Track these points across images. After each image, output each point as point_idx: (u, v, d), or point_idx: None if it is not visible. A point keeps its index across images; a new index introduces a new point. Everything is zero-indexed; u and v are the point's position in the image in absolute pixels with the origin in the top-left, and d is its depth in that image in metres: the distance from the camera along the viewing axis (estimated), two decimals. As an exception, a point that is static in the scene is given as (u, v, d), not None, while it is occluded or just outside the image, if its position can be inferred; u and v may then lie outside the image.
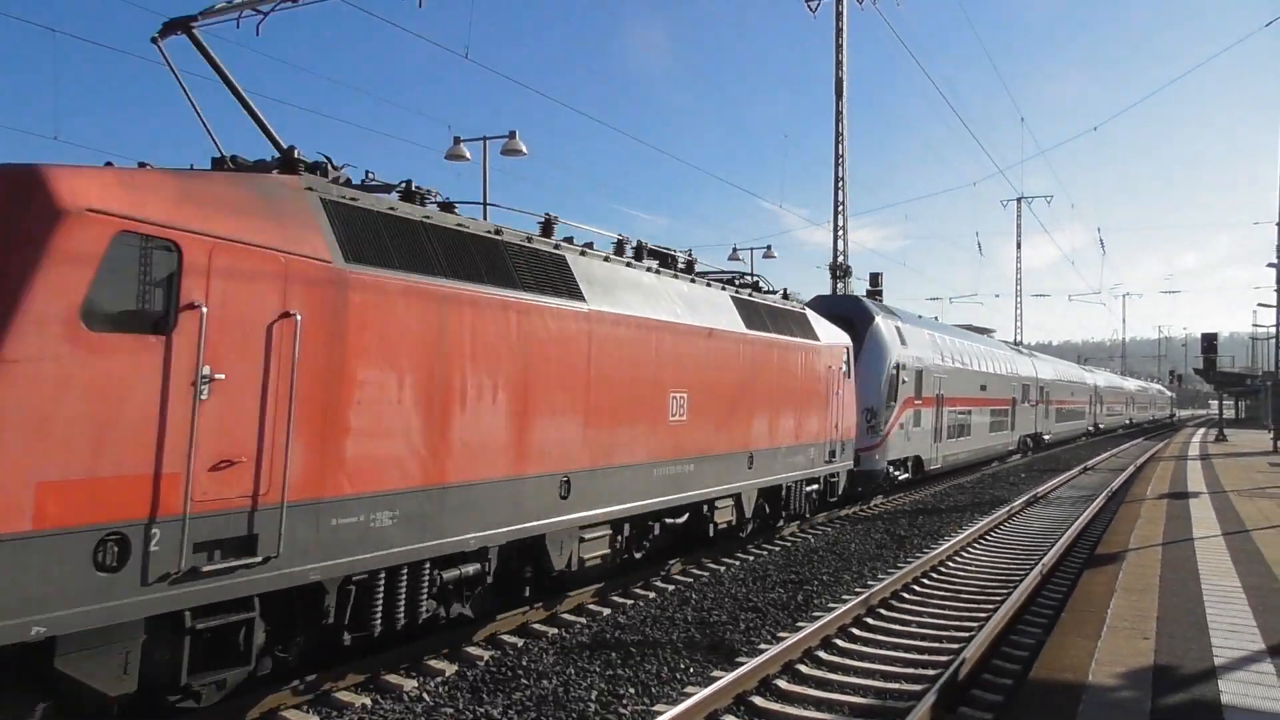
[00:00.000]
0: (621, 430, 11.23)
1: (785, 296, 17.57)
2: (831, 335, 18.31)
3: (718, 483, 13.53)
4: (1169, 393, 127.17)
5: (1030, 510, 22.67)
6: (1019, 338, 67.78)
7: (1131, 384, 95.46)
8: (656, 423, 11.85)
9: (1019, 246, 69.69)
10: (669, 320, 12.27)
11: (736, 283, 16.02)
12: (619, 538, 11.80)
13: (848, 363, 18.97)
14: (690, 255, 14.50)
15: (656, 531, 12.63)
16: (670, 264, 13.58)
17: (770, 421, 15.22)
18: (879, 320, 23.55)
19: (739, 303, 14.79)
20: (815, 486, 17.90)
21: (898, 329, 24.59)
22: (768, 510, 16.17)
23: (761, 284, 16.72)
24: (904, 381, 23.57)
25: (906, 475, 24.67)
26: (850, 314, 22.93)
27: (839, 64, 36.05)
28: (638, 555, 12.58)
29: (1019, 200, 67.24)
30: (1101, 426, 66.80)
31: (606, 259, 11.87)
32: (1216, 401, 62.56)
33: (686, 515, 13.27)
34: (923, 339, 26.67)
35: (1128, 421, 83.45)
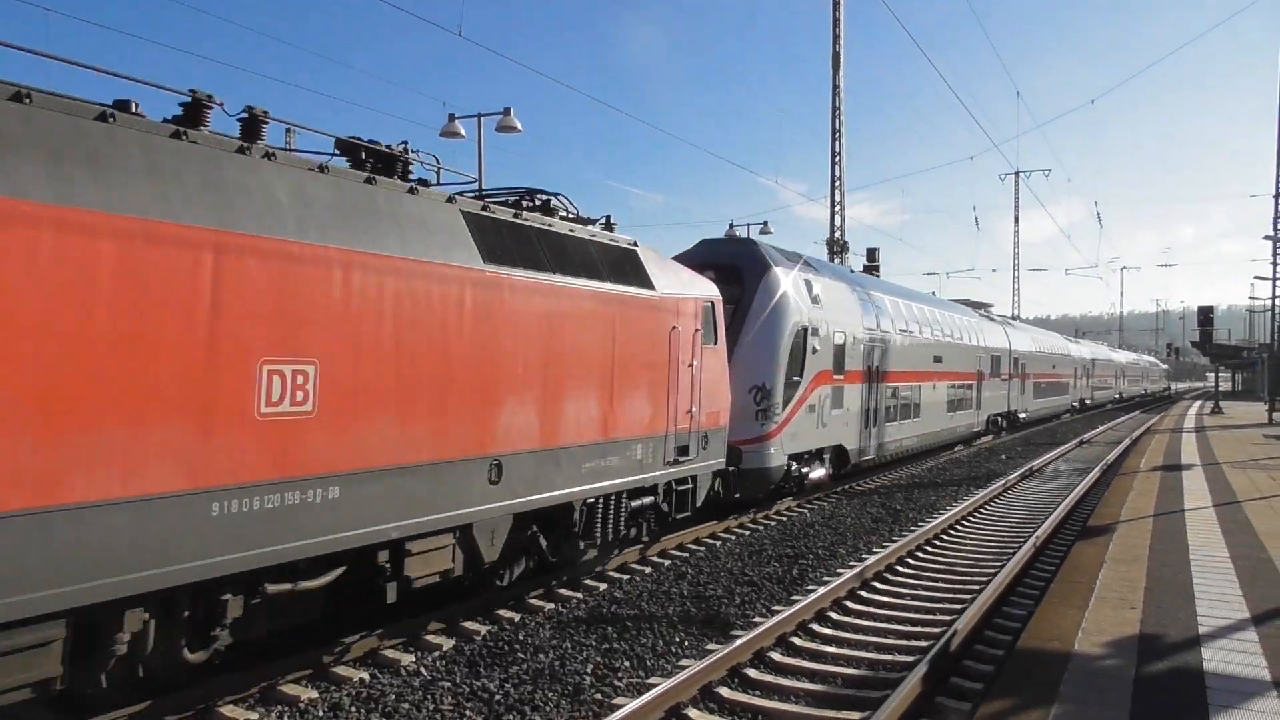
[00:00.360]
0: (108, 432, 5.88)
1: (608, 227, 12.35)
2: (684, 285, 13.18)
3: (408, 513, 8.10)
4: (1163, 365, 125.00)
5: (1026, 484, 22.81)
6: (1016, 312, 67.85)
7: (1123, 356, 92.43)
8: (214, 417, 6.47)
9: (1016, 221, 69.63)
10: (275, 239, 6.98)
11: (518, 204, 11.03)
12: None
13: (711, 323, 13.70)
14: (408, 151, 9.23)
15: (232, 613, 7.04)
16: (376, 168, 8.71)
17: (545, 407, 9.99)
18: (777, 270, 17.53)
19: (478, 225, 9.29)
20: (649, 499, 12.45)
21: (806, 282, 18.67)
22: (545, 545, 10.62)
23: (563, 208, 11.52)
24: (814, 350, 18.13)
25: (824, 472, 19.22)
26: (737, 260, 17.61)
27: (836, 38, 35.82)
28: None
29: (1016, 174, 67.12)
30: (1089, 402, 63.08)
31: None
32: (1213, 374, 62.64)
33: (334, 573, 7.77)
34: (845, 298, 20.96)
35: (1117, 396, 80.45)
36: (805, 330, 17.72)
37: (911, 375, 24.83)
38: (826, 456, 19.41)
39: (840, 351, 19.48)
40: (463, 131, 21.52)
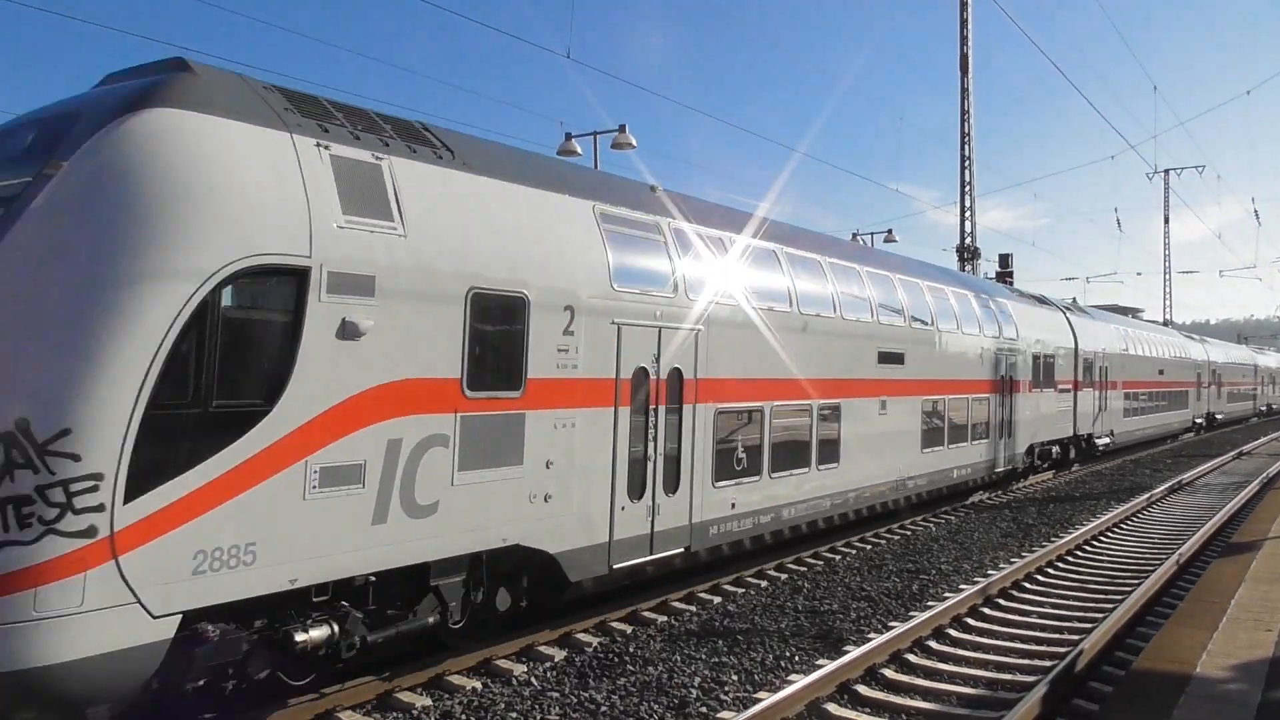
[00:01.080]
0: None
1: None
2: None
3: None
4: (1262, 361, 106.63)
5: (1173, 498, 21.61)
6: (1169, 317, 64.24)
7: (1272, 359, 76.49)
8: None
9: (1166, 220, 65.92)
10: None
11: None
12: None
13: None
14: None
15: None
16: None
17: None
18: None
19: None
20: None
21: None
22: None
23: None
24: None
25: None
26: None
27: (964, 39, 34.96)
28: None
29: (1166, 173, 63.63)
30: (1220, 417, 50.30)
31: None
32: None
33: None
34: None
35: (1265, 409, 66.95)
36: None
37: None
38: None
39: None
40: (579, 150, 22.05)
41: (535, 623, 9.86)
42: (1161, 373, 37.30)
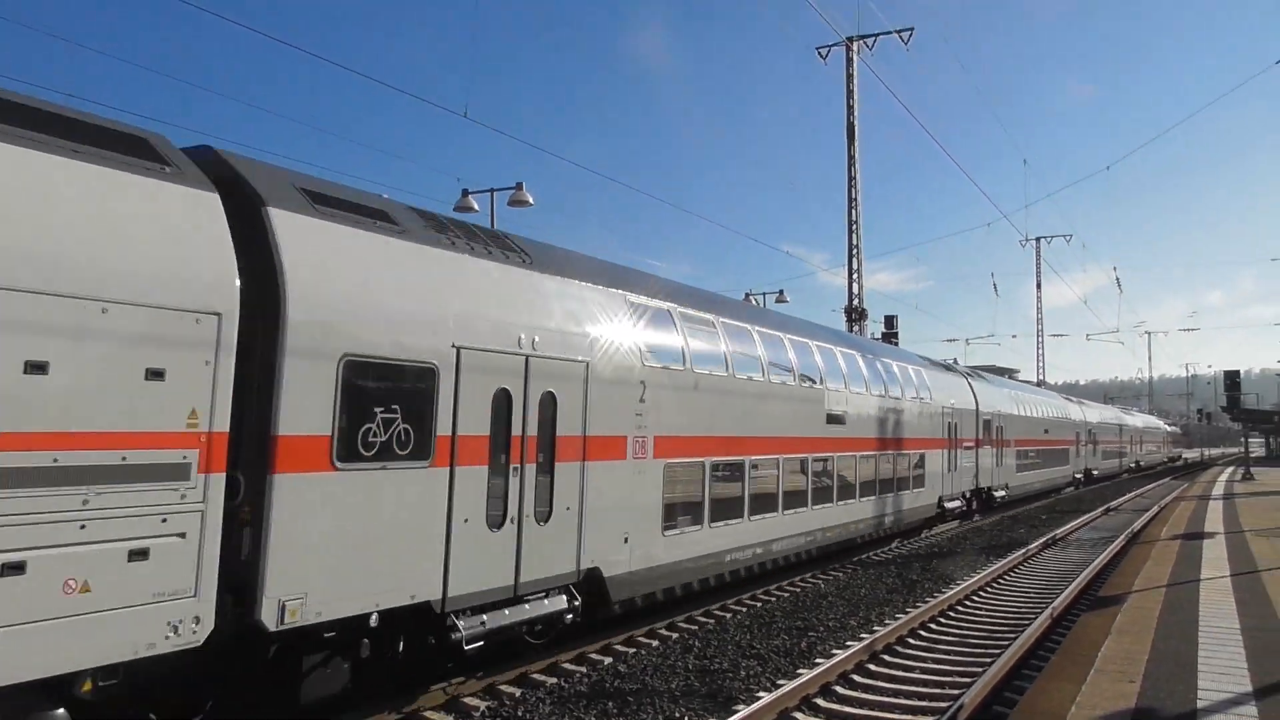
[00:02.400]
0: None
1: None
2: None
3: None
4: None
5: (1047, 553, 22.49)
6: (1041, 377, 67.34)
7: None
8: None
9: (1039, 286, 69.51)
10: None
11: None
12: None
13: None
14: None
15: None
16: None
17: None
18: None
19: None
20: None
21: None
22: None
23: None
24: None
25: None
26: None
27: (850, 109, 36.51)
28: None
29: (1037, 241, 67.20)
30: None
31: None
32: (1244, 440, 61.38)
33: None
34: None
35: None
36: None
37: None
38: None
39: None
40: (476, 206, 22.11)
41: (424, 684, 9.63)
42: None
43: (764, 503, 15.69)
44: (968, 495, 28.53)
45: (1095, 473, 53.08)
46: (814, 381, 17.95)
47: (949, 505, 26.43)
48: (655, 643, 12.54)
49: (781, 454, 16.27)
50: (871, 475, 20.48)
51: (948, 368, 30.43)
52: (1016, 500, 34.97)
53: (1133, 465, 69.82)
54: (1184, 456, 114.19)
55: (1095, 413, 57.70)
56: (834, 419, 18.52)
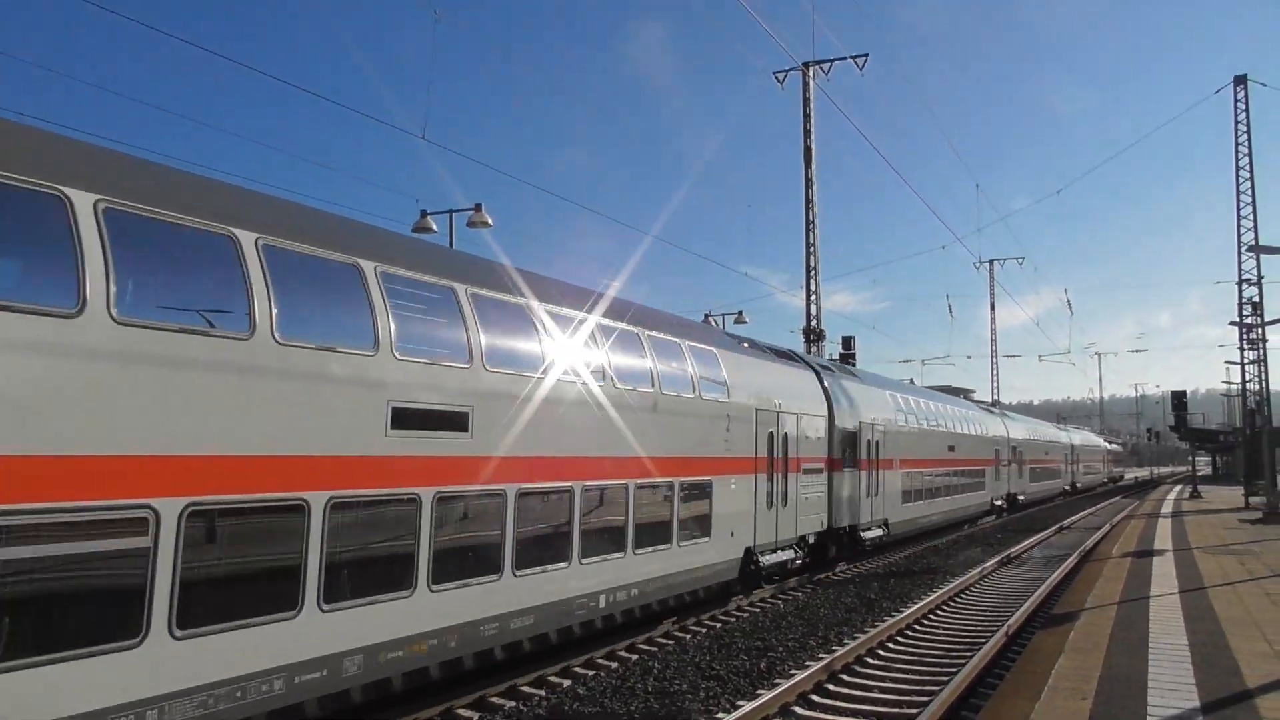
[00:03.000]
0: None
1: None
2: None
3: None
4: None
5: (1003, 570, 22.76)
6: (996, 398, 68.32)
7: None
8: None
9: (992, 308, 70.64)
10: None
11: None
12: None
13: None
14: None
15: None
16: None
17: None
18: None
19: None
20: None
21: None
22: None
23: None
24: None
25: None
26: None
27: (807, 133, 36.95)
28: None
29: (991, 263, 68.32)
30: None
31: None
32: (1192, 458, 62.66)
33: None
34: None
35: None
36: None
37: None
38: None
39: None
40: (434, 227, 22.02)
41: (382, 708, 9.49)
42: (952, 449, 33.29)
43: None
44: (810, 540, 20.37)
45: (1022, 498, 46.17)
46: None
47: (766, 560, 17.84)
48: (614, 664, 12.50)
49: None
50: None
51: (785, 355, 21.44)
52: (904, 539, 27.72)
53: (1067, 488, 63.22)
54: (1129, 476, 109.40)
55: (1024, 427, 50.86)
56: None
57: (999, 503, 41.20)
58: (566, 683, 11.48)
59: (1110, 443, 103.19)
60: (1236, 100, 43.26)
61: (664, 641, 14.03)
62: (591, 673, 12.02)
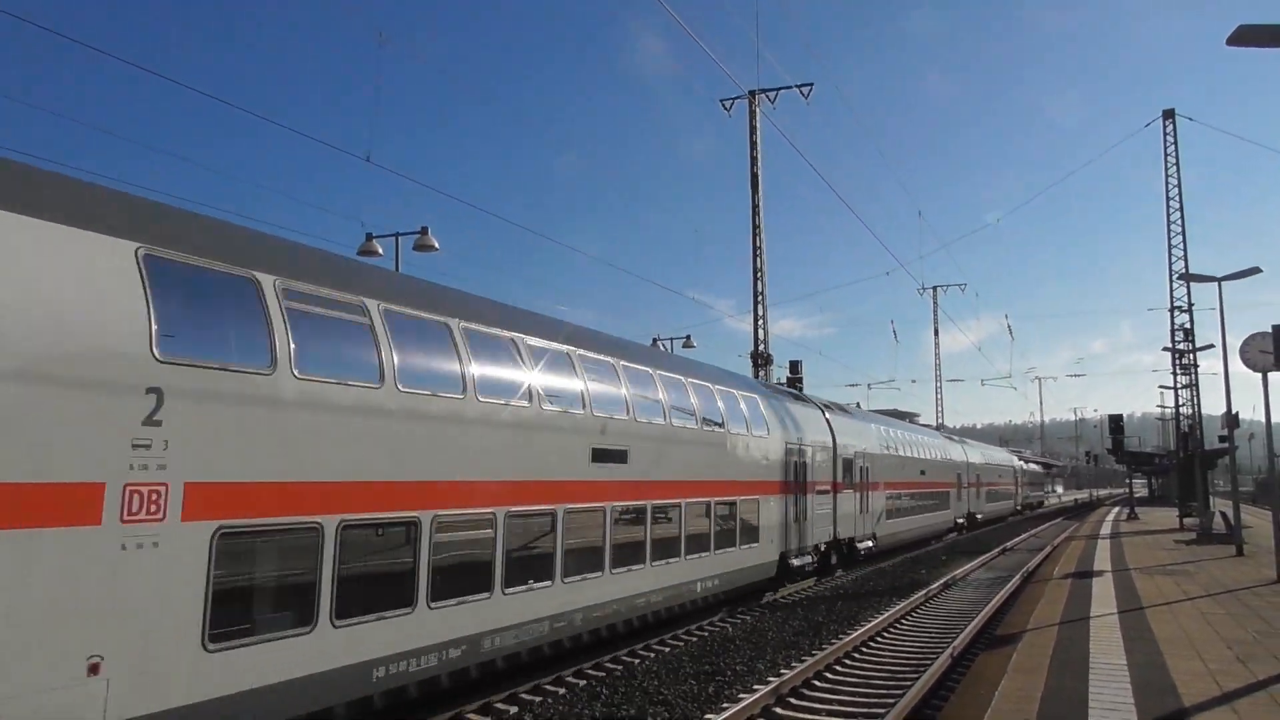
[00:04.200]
0: None
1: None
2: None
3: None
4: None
5: (947, 593, 23.02)
6: (940, 421, 69.37)
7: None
8: None
9: (936, 333, 71.86)
10: None
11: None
12: None
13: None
14: None
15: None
16: None
17: None
18: None
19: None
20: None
21: None
22: None
23: None
24: None
25: None
26: None
27: (753, 160, 37.41)
28: None
29: (934, 289, 69.59)
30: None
31: None
32: (1129, 481, 64.16)
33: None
34: None
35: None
36: None
37: None
38: None
39: None
40: (380, 250, 21.87)
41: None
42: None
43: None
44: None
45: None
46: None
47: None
48: (562, 690, 12.39)
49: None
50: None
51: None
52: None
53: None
54: (1049, 501, 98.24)
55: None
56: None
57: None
58: (513, 710, 11.35)
59: (1029, 461, 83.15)
60: (1166, 134, 44.71)
61: (612, 667, 13.94)
62: (539, 699, 11.90)
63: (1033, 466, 79.81)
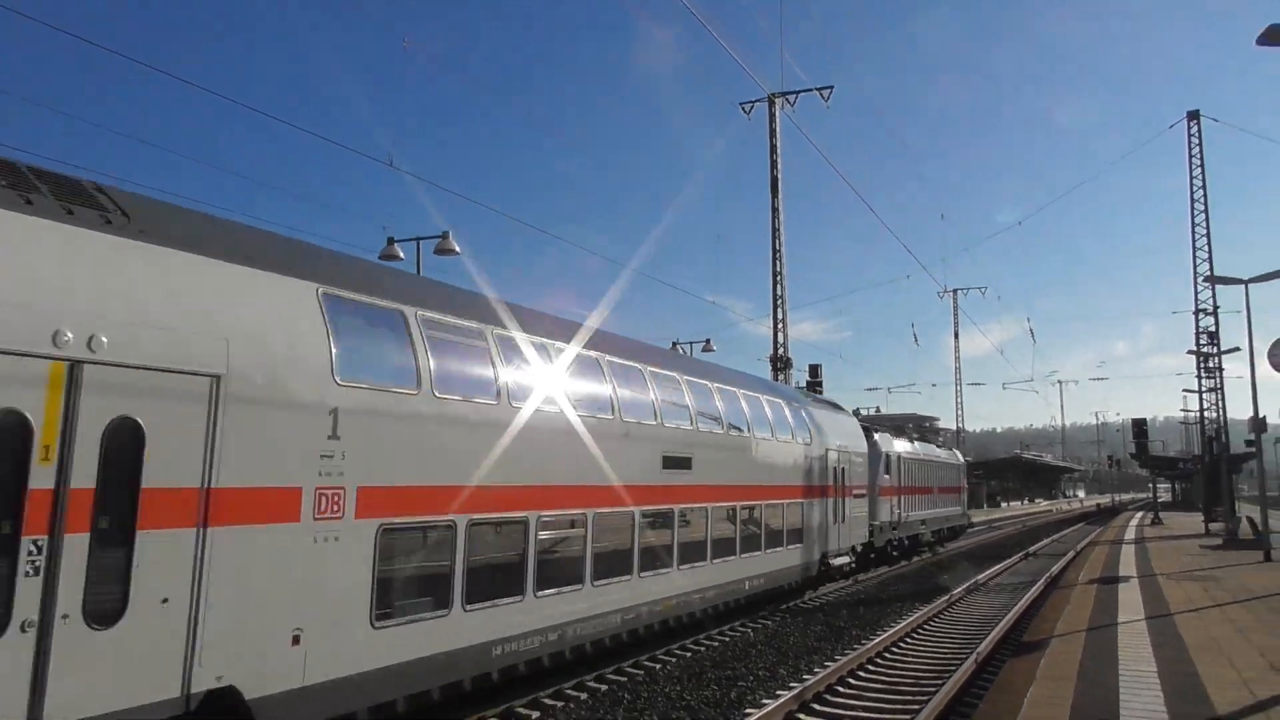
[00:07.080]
0: None
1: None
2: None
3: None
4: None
5: (971, 598, 22.82)
6: (961, 425, 68.96)
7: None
8: None
9: (956, 336, 71.57)
10: None
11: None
12: None
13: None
14: None
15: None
16: None
17: None
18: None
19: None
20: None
21: None
22: None
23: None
24: None
25: None
26: None
27: (773, 164, 37.35)
28: None
29: (955, 292, 69.22)
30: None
31: None
32: (1152, 485, 63.49)
33: None
34: None
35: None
36: None
37: None
38: None
39: None
40: (401, 254, 21.90)
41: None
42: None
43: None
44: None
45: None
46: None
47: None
48: (584, 695, 12.33)
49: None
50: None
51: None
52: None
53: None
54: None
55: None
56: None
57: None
58: (535, 715, 11.31)
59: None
60: (1190, 135, 44.32)
61: (634, 671, 13.87)
62: (560, 704, 11.85)
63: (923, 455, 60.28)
